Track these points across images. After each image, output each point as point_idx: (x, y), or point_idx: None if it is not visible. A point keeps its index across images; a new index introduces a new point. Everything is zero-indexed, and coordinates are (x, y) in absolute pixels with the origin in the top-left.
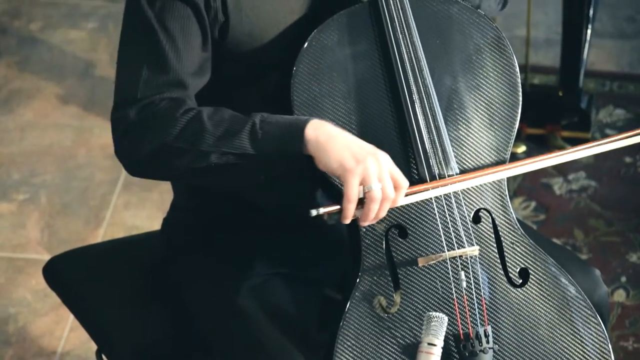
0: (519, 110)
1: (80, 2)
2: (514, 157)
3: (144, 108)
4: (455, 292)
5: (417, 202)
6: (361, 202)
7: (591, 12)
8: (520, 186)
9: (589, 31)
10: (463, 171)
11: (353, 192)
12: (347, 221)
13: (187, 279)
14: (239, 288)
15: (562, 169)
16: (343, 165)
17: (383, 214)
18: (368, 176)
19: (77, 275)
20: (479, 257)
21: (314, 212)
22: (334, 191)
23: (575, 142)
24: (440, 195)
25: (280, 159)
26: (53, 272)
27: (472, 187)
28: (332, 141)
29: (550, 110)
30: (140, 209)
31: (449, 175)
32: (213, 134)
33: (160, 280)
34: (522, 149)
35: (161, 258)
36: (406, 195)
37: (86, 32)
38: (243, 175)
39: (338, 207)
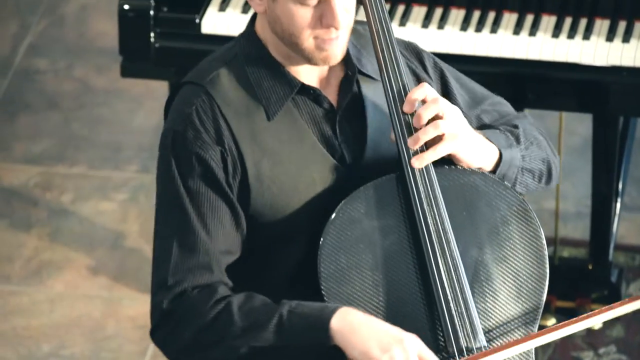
0: (547, 282)
1: (111, 174)
2: None
3: (176, 298)
4: None
5: None
6: None
7: (620, 186)
8: None
9: (618, 205)
10: (490, 343)
11: None
12: None
13: None
14: None
15: (592, 343)
16: (369, 356)
17: None
18: None
19: None
20: None
21: None
22: None
23: None
24: None
25: (308, 349)
26: None
27: None
28: (356, 332)
29: (580, 283)
30: None
31: (476, 349)
32: (241, 326)
33: None
34: (551, 321)
35: None
36: None
37: (117, 203)
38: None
39: None
